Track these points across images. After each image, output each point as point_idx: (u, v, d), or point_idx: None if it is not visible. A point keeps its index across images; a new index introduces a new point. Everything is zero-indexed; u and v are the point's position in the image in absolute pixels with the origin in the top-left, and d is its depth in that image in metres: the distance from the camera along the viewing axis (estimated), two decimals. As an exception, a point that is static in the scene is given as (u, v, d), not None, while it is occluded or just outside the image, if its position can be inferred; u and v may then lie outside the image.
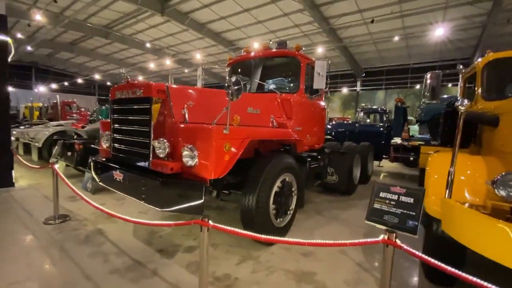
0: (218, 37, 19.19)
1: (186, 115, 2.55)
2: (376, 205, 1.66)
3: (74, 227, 3.48)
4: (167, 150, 2.40)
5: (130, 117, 2.78)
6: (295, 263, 2.75)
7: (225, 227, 1.78)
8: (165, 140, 2.41)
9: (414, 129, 12.23)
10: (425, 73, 3.36)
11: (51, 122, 10.27)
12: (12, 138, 8.10)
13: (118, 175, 2.70)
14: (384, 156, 8.25)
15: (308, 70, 4.01)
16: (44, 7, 14.90)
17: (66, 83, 31.08)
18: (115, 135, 3.03)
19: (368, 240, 1.61)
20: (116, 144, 3.02)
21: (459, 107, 1.87)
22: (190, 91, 2.87)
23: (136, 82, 2.71)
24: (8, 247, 2.88)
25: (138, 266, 2.58)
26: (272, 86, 4.10)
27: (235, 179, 3.01)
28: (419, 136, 10.31)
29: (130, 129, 2.78)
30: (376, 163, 9.63)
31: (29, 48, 21.64)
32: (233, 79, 2.27)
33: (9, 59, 5.30)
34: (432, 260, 1.45)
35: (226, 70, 4.90)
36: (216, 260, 2.75)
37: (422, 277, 2.53)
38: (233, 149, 2.40)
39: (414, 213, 1.53)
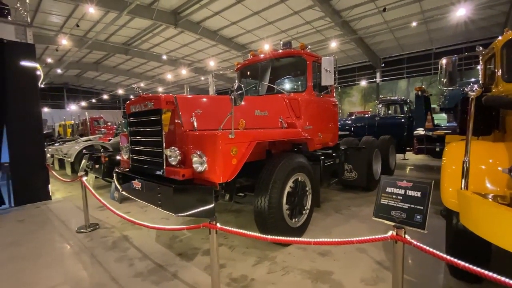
0: (230, 43, 19.50)
1: (195, 123, 2.65)
2: (383, 201, 1.63)
3: (103, 235, 3.73)
4: (178, 157, 2.51)
5: (144, 129, 2.95)
6: (311, 262, 2.74)
7: (232, 229, 1.84)
8: (176, 148, 2.52)
9: (442, 117, 11.52)
10: (442, 58, 3.22)
11: (81, 138, 11.03)
12: (48, 155, 8.86)
13: (137, 184, 2.87)
14: (407, 149, 7.88)
15: (315, 68, 3.98)
16: (69, 32, 16.09)
17: (94, 100, 33.24)
18: (133, 146, 3.22)
19: (376, 236, 1.58)
20: (134, 155, 3.21)
21: (469, 92, 1.77)
22: (198, 99, 2.98)
23: (146, 95, 2.86)
24: (46, 254, 3.17)
25: (159, 269, 2.71)
26: (280, 87, 4.12)
27: (249, 181, 3.07)
28: (448, 124, 9.70)
29: (145, 140, 2.95)
30: (400, 156, 9.23)
31: (59, 70, 23.42)
32: (235, 85, 2.34)
33: (40, 84, 5.81)
34: (445, 256, 1.39)
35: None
36: (233, 261, 2.81)
37: (447, 273, 2.41)
38: (240, 153, 2.46)
39: (421, 207, 1.47)
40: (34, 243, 3.53)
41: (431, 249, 1.37)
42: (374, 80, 23.92)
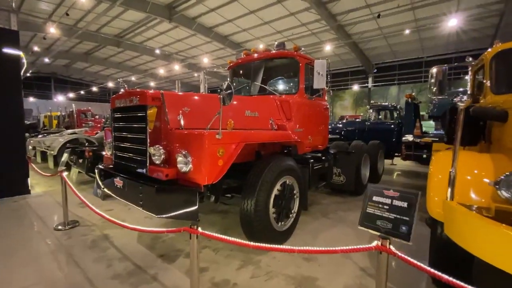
0: (225, 40, 19.35)
1: (182, 121, 2.56)
2: (369, 210, 1.59)
3: (83, 233, 3.58)
4: (162, 156, 2.42)
5: (128, 125, 2.83)
6: (296, 268, 2.70)
7: (213, 234, 1.77)
8: (161, 147, 2.43)
9: (430, 125, 11.76)
10: (432, 67, 3.23)
11: (66, 130, 10.68)
12: (30, 147, 8.53)
13: (118, 182, 2.75)
14: (396, 154, 7.99)
15: (307, 70, 3.94)
16: (58, 20, 15.57)
17: (82, 92, 32.36)
18: (116, 143, 3.10)
19: (361, 246, 1.54)
20: (117, 152, 3.09)
21: (458, 103, 1.76)
22: (186, 97, 2.89)
23: (132, 90, 2.75)
24: (20, 252, 3.01)
25: (139, 271, 2.61)
26: (272, 88, 4.07)
27: (237, 182, 3.00)
28: (435, 132, 9.90)
29: (129, 136, 2.84)
30: (388, 161, 9.35)
31: (46, 60, 22.64)
32: (224, 84, 2.27)
33: (23, 73, 5.55)
34: (428, 268, 1.37)
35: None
36: (216, 264, 2.74)
37: (430, 281, 2.41)
38: (227, 154, 2.39)
39: (407, 218, 1.45)
40: (8, 239, 3.35)
41: (415, 261, 1.34)
42: (367, 85, 24.25)
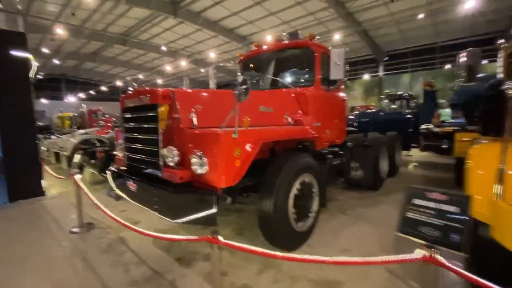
0: (231, 34, 19.04)
1: (194, 120, 2.42)
2: (410, 214, 1.41)
3: (98, 236, 3.54)
4: (176, 158, 2.29)
5: (139, 125, 2.71)
6: (320, 271, 2.55)
7: (239, 244, 1.62)
8: (174, 148, 2.30)
9: (446, 113, 11.26)
10: (460, 51, 2.96)
11: (78, 131, 10.78)
12: (44, 149, 8.63)
13: (131, 185, 2.66)
14: (413, 145, 7.67)
15: (323, 60, 3.70)
16: (65, 21, 15.64)
17: (92, 92, 32.77)
18: (128, 144, 2.99)
19: (404, 257, 1.37)
20: (129, 153, 2.99)
21: (507, 91, 1.54)
22: (198, 94, 2.74)
23: (142, 89, 2.62)
24: (35, 258, 2.98)
25: (156, 277, 2.53)
26: (285, 81, 3.86)
27: (252, 181, 2.84)
28: (452, 120, 9.44)
29: (140, 137, 2.72)
30: (404, 152, 9.02)
31: (56, 61, 22.94)
32: (240, 78, 2.09)
33: (32, 75, 5.53)
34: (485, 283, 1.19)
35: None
36: (234, 268, 2.63)
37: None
38: (244, 154, 2.24)
39: (460, 225, 1.26)
40: (23, 244, 3.34)
41: (473, 276, 1.16)
42: (377, 74, 23.51)
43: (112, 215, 2.80)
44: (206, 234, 1.65)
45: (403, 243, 1.38)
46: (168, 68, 24.59)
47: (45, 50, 20.10)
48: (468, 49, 2.89)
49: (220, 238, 1.58)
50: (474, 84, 5.37)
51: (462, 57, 2.85)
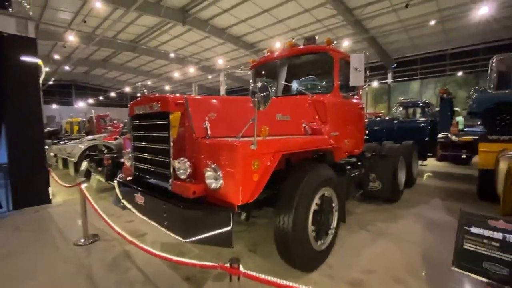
0: (239, 41, 19.12)
1: (208, 129, 2.25)
2: (469, 246, 1.19)
3: (103, 248, 3.37)
4: (188, 170, 2.11)
5: (149, 134, 2.55)
6: (346, 299, 2.30)
7: (262, 276, 1.41)
8: (186, 160, 2.12)
9: (460, 121, 10.89)
10: (493, 56, 2.74)
11: (86, 136, 10.77)
12: (52, 154, 8.60)
13: (139, 198, 2.48)
14: (428, 155, 7.35)
15: (342, 66, 3.52)
16: (76, 28, 15.92)
17: (101, 97, 33.27)
18: (136, 153, 2.83)
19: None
20: (137, 163, 2.82)
21: None
22: (212, 101, 2.57)
23: (152, 96, 2.47)
24: (37, 274, 2.80)
25: (164, 300, 2.32)
26: (302, 87, 3.67)
27: (266, 193, 2.64)
28: (467, 129, 9.08)
29: (150, 147, 2.56)
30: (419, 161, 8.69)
31: (67, 67, 23.38)
32: (259, 84, 1.90)
33: (43, 81, 5.49)
34: None
35: (249, 73, 4.58)
36: (250, 292, 2.40)
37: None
38: (262, 167, 2.04)
39: (535, 263, 1.04)
40: (26, 257, 3.18)
41: None
42: (386, 81, 23.25)
43: (117, 229, 2.62)
44: (221, 253, 1.44)
45: (460, 280, 1.14)
46: (176, 74, 24.79)
47: (56, 56, 20.51)
48: (502, 54, 2.67)
49: (241, 267, 1.37)
50: (496, 92, 5.09)
51: (497, 62, 2.62)
